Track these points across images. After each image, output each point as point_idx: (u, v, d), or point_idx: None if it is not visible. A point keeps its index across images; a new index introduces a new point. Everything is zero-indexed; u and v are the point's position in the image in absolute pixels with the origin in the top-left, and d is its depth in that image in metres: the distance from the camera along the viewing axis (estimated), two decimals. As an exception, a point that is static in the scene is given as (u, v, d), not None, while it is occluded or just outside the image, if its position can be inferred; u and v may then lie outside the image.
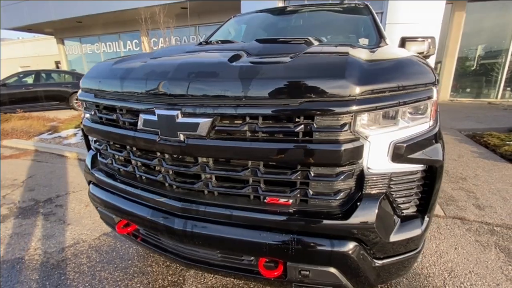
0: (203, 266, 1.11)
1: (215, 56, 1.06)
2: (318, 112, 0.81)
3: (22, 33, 18.82)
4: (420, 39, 1.97)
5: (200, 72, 0.91)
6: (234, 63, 0.91)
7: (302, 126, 0.83)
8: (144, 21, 7.66)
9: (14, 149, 4.61)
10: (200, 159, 0.97)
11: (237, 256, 1.05)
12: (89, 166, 1.39)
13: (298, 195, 0.93)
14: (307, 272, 0.96)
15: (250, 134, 0.88)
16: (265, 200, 0.97)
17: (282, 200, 0.96)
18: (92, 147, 1.43)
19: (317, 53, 1.01)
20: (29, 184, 3.03)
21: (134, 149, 1.12)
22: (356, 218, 0.88)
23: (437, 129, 0.95)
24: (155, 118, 0.95)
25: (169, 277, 1.61)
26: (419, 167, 0.94)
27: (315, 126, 0.83)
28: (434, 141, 0.93)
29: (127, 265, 1.72)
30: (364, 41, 1.97)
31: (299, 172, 0.89)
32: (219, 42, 1.47)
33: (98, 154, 1.37)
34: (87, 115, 1.29)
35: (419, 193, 0.98)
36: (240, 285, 1.55)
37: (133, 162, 1.15)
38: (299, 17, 2.54)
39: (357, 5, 2.42)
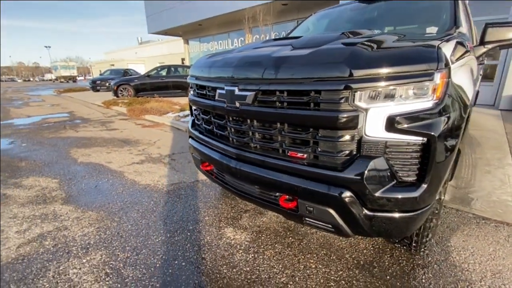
0: (247, 196, 1.61)
1: (266, 50, 1.49)
2: (324, 89, 1.14)
3: (160, 36, 24.23)
4: (506, 25, 1.79)
5: (251, 62, 1.38)
6: (273, 55, 1.33)
7: (312, 98, 1.18)
8: (247, 21, 8.67)
9: (150, 121, 6.44)
10: (248, 121, 1.45)
11: (267, 191, 1.49)
12: (190, 126, 2.12)
13: (310, 151, 1.28)
14: (312, 209, 1.30)
15: (278, 104, 1.29)
16: (288, 153, 1.37)
17: (299, 154, 1.33)
18: (192, 114, 2.15)
19: (335, 45, 1.29)
20: (157, 144, 4.34)
21: (213, 113, 1.71)
22: (351, 172, 1.16)
23: (439, 108, 1.09)
24: (224, 92, 1.49)
25: (231, 213, 2.21)
26: (417, 139, 1.11)
27: (321, 98, 1.16)
28: (432, 118, 1.08)
29: (207, 200, 2.44)
30: (433, 29, 1.95)
31: (311, 133, 1.24)
32: (281, 39, 1.89)
33: (195, 118, 2.06)
34: (191, 92, 1.98)
35: (418, 163, 1.14)
36: (280, 231, 1.99)
37: (212, 122, 1.75)
38: (376, 7, 2.61)
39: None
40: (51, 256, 1.76)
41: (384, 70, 1.07)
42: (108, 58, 50.70)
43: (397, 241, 1.64)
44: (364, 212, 1.19)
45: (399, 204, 1.17)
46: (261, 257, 1.71)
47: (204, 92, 1.74)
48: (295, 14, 12.83)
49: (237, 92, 1.41)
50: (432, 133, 1.07)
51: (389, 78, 1.07)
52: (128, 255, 1.75)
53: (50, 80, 55.55)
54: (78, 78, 51.79)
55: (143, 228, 2.04)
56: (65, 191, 2.72)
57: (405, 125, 1.08)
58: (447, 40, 1.38)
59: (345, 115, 1.12)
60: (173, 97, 10.39)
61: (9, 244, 1.88)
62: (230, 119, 1.57)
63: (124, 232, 1.99)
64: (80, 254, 1.77)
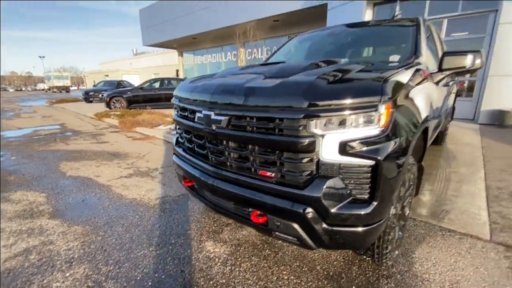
0: (224, 212, 1.73)
1: (241, 78, 1.65)
2: (286, 117, 1.29)
3: (156, 48, 24.68)
4: (460, 54, 2.00)
5: (225, 90, 1.54)
6: (245, 85, 1.49)
7: (277, 125, 1.33)
8: (238, 37, 8.98)
9: (141, 134, 6.53)
10: (223, 142, 1.59)
11: (241, 207, 1.61)
12: (174, 144, 2.24)
13: (277, 171, 1.42)
14: (279, 224, 1.43)
15: (249, 128, 1.44)
16: (258, 172, 1.50)
17: (268, 173, 1.46)
18: (176, 132, 2.28)
19: (299, 76, 1.46)
20: (146, 158, 4.44)
21: (194, 133, 1.84)
22: (310, 190, 1.30)
23: (385, 134, 1.24)
24: (202, 115, 1.63)
25: (213, 227, 2.31)
26: (366, 162, 1.26)
27: (284, 125, 1.31)
28: (378, 143, 1.24)
29: (190, 214, 2.54)
30: (395, 57, 2.15)
31: (277, 155, 1.39)
32: (258, 65, 2.06)
33: (179, 136, 2.19)
34: (175, 112, 2.12)
35: (369, 182, 1.29)
36: (258, 244, 2.09)
37: (192, 142, 1.88)
38: (350, 33, 2.84)
39: (407, 21, 2.52)
40: (35, 270, 1.82)
41: (337, 102, 1.23)
42: (103, 69, 50.85)
43: (362, 253, 1.77)
44: (323, 226, 1.32)
45: (354, 220, 1.30)
46: (237, 269, 1.81)
47: (186, 114, 1.88)
48: (286, 30, 13.31)
49: (213, 116, 1.55)
50: (378, 157, 1.22)
51: (340, 109, 1.23)
52: (111, 268, 1.82)
53: (43, 89, 55.22)
54: (72, 88, 51.64)
55: (126, 242, 2.12)
56: (52, 206, 2.78)
57: (355, 150, 1.23)
58: (408, 68, 1.60)
59: (304, 140, 1.27)
60: (165, 109, 10.51)
61: (-6, 259, 1.94)
62: (208, 139, 1.70)
63: (108, 246, 2.07)
64: (63, 268, 1.84)
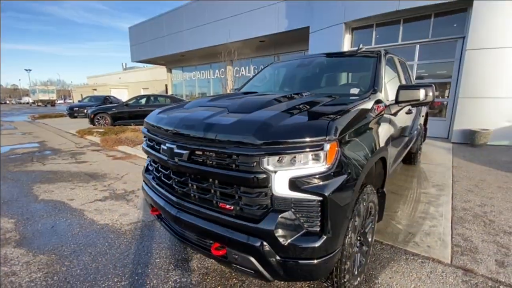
0: (186, 242, 1.74)
1: (205, 110, 1.73)
2: (239, 153, 1.36)
3: (145, 64, 24.89)
4: (413, 88, 2.16)
5: (187, 125, 1.60)
6: (205, 120, 1.56)
7: (233, 160, 1.40)
8: (224, 56, 9.25)
9: (123, 153, 6.47)
10: (185, 174, 1.64)
11: (202, 239, 1.64)
12: (144, 171, 2.26)
13: (235, 204, 1.47)
14: (237, 257, 1.46)
15: (208, 162, 1.50)
16: (218, 205, 1.54)
17: (227, 206, 1.51)
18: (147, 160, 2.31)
19: (257, 113, 1.55)
20: (124, 179, 4.39)
21: (160, 164, 1.88)
22: (264, 224, 1.35)
23: (331, 171, 1.33)
24: (166, 147, 1.68)
25: (183, 255, 2.31)
26: (315, 197, 1.33)
27: (239, 161, 1.37)
28: (325, 180, 1.32)
29: (161, 241, 2.52)
30: (355, 90, 2.30)
31: (234, 189, 1.44)
32: (227, 96, 2.16)
33: (149, 164, 2.22)
34: (144, 141, 2.16)
35: (319, 216, 1.35)
36: (226, 272, 2.10)
37: (159, 171, 1.92)
38: (318, 64, 3.01)
39: (370, 53, 2.71)
40: (-10, 306, 1.76)
41: (286, 141, 1.31)
42: (90, 82, 50.37)
43: (324, 281, 1.80)
44: (277, 259, 1.36)
45: (307, 252, 1.35)
46: (201, 300, 1.80)
47: (153, 144, 1.93)
48: (272, 50, 13.77)
49: (176, 149, 1.61)
50: (325, 193, 1.30)
51: (289, 147, 1.31)
52: (71, 302, 1.78)
53: (27, 103, 53.94)
54: (58, 102, 50.74)
55: (92, 272, 2.08)
56: (20, 233, 2.70)
57: (304, 186, 1.31)
58: (363, 102, 1.73)
59: (257, 176, 1.33)
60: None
61: None
62: (172, 171, 1.75)
63: (71, 278, 2.02)
64: (21, 303, 1.78)
